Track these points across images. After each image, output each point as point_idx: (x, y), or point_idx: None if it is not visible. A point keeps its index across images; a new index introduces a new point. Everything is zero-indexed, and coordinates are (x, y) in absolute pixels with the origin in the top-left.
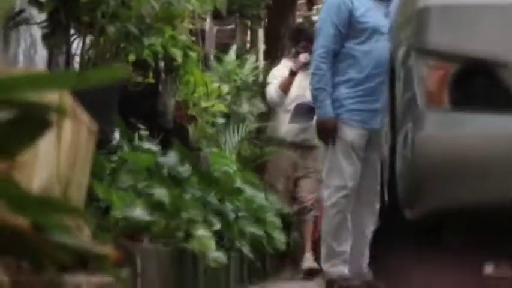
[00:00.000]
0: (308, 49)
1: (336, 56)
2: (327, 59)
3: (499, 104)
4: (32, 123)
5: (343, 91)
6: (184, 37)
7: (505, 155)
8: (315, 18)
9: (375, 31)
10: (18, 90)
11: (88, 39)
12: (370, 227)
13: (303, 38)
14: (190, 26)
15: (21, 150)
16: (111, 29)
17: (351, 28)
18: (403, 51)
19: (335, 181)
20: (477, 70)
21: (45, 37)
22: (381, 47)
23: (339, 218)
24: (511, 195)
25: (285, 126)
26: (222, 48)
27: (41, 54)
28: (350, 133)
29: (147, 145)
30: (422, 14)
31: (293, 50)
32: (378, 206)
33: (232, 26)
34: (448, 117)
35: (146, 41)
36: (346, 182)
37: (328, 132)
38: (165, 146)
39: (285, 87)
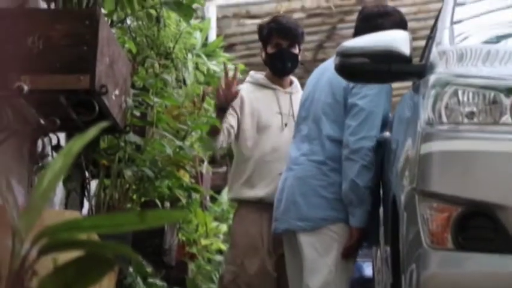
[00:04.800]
0: (281, 47)
1: None
2: None
3: (500, 245)
4: (98, 262)
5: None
6: (186, 179)
7: None
8: None
9: None
10: (81, 232)
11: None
12: None
13: (275, 30)
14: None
15: None
16: (128, 173)
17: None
18: (406, 194)
19: None
20: (478, 212)
21: (64, 181)
22: None
23: None
24: None
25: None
26: (216, 189)
27: (59, 195)
28: None
29: (159, 282)
30: (424, 159)
31: (262, 54)
32: None
33: (223, 169)
34: (451, 257)
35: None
36: None
37: (359, 245)
38: (167, 281)
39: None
